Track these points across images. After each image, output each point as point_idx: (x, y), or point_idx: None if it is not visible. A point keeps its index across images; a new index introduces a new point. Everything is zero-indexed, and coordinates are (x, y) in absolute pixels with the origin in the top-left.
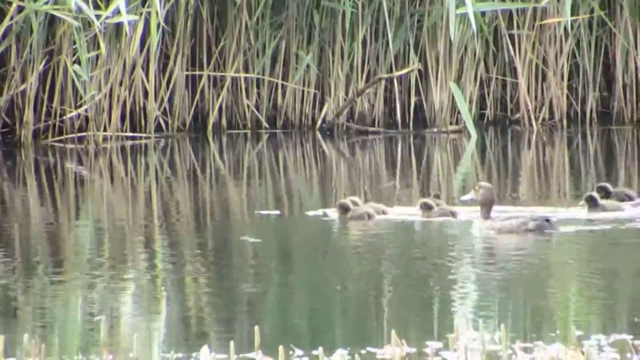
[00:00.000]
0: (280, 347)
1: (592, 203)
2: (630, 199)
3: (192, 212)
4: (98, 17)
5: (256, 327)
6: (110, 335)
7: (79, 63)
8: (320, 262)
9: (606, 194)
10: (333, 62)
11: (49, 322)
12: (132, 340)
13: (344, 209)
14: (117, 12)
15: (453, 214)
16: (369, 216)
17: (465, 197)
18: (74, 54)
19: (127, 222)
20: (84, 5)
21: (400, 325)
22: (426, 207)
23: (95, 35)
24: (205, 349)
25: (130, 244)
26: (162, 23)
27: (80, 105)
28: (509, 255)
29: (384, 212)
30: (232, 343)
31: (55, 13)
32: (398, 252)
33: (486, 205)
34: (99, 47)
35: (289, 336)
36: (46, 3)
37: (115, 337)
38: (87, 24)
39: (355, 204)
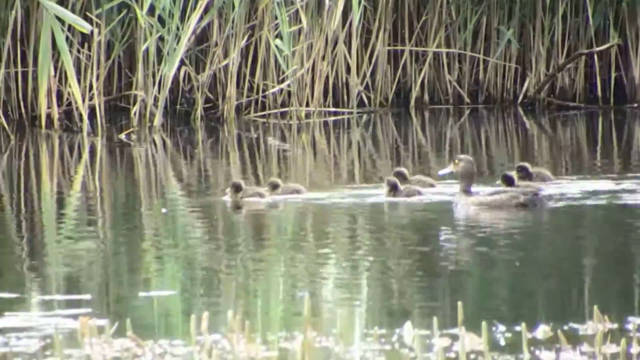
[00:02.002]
0: (483, 323)
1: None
2: (543, 180)
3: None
4: None
5: (459, 303)
6: (313, 312)
7: (281, 38)
8: (514, 238)
9: (526, 174)
10: (534, 37)
11: (252, 298)
12: (335, 316)
13: (237, 188)
14: None
15: (419, 193)
16: (260, 195)
17: (443, 171)
18: (275, 29)
19: (328, 197)
20: None
21: (600, 300)
22: (393, 186)
23: (297, 9)
24: (408, 325)
25: (331, 219)
26: None
27: (283, 80)
28: None
29: (297, 192)
30: (435, 319)
31: None
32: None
33: (467, 178)
34: (300, 22)
35: (491, 312)
36: None
37: (318, 313)
38: None
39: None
